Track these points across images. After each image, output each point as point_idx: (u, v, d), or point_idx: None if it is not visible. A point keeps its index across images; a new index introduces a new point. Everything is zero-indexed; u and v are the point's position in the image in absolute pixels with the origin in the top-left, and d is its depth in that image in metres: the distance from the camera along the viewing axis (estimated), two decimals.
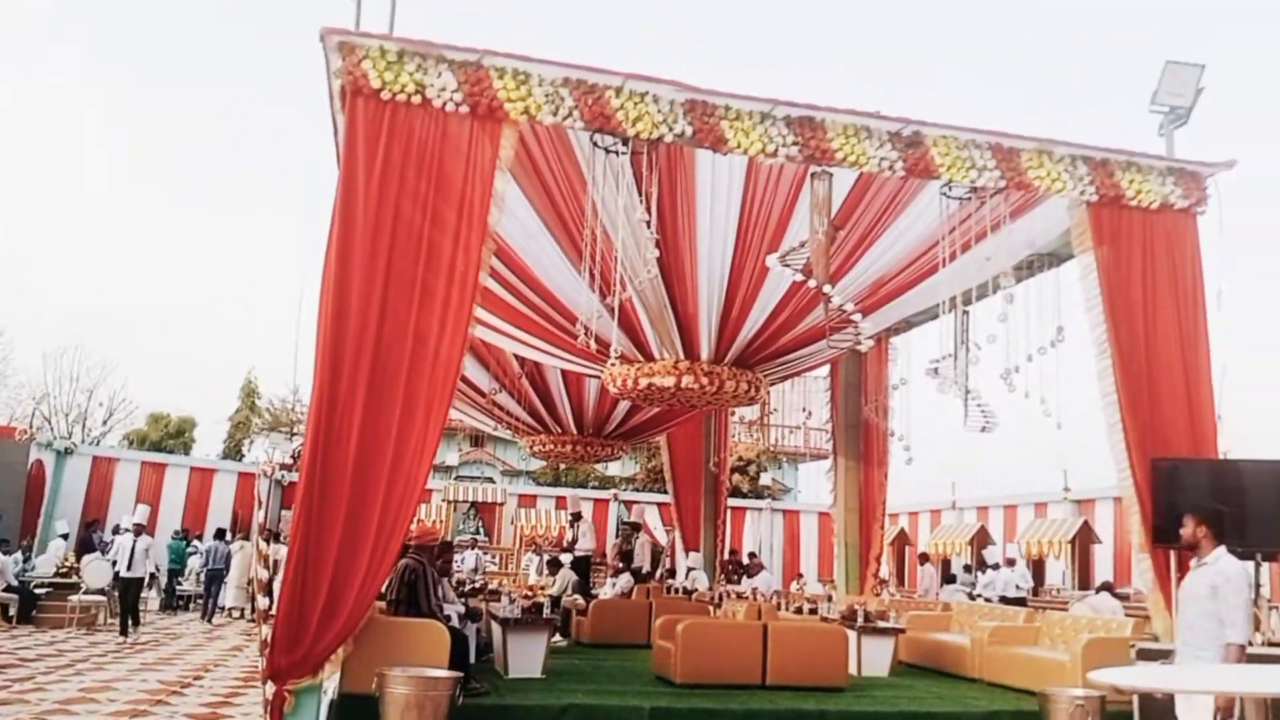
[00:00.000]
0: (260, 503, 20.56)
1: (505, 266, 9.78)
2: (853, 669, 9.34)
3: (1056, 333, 9.75)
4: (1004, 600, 16.45)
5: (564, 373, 14.84)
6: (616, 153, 7.60)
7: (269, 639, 6.35)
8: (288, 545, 6.65)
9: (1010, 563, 19.82)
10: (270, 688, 6.23)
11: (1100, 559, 19.53)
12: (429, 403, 6.91)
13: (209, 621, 16.72)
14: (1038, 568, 21.18)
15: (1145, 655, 7.40)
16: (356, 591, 6.46)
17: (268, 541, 9.47)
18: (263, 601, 6.58)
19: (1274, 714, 4.04)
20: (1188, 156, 8.84)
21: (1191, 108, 9.04)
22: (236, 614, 17.82)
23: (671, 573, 18.34)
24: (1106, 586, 13.99)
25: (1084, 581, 18.64)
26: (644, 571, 15.31)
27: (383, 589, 7.88)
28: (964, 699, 8.34)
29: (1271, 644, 8.46)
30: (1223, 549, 5.77)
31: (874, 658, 9.76)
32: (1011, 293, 9.42)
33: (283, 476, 22.98)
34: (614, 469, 30.36)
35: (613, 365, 10.81)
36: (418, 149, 7.04)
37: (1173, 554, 8.12)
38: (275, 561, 7.07)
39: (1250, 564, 8.30)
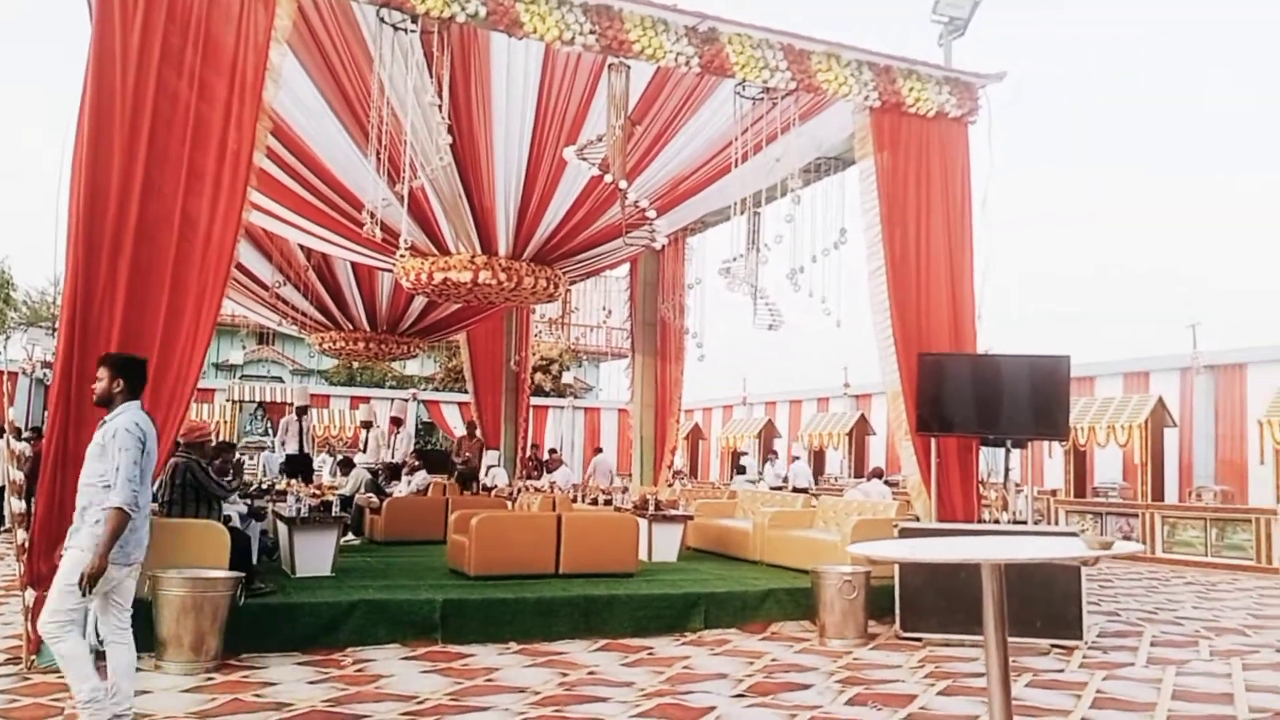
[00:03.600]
0: (11, 401, 18.82)
1: (285, 148, 9.17)
2: (644, 555, 9.69)
3: (839, 235, 10.20)
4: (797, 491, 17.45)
5: (355, 266, 14.25)
6: (405, 30, 7.20)
7: (26, 544, 5.91)
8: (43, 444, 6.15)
9: (794, 458, 21.05)
10: (31, 595, 5.83)
11: (875, 449, 21.03)
12: (200, 293, 6.49)
13: None
14: (819, 458, 22.56)
15: (906, 533, 8.04)
16: None
17: (22, 440, 8.70)
18: (18, 505, 6.08)
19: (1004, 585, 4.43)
20: (964, 67, 9.31)
21: (969, 19, 9.49)
22: None
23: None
24: (877, 473, 15.07)
25: (859, 470, 20.03)
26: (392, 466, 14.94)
27: (155, 491, 7.48)
28: (744, 579, 8.84)
29: (1016, 521, 9.43)
30: (134, 404, 4.65)
31: (664, 544, 10.16)
32: (799, 195, 9.72)
33: (45, 375, 21.14)
34: (412, 368, 29.79)
35: (404, 258, 10.45)
36: (182, 11, 6.47)
37: (934, 441, 8.81)
38: (29, 458, 6.51)
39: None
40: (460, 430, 22.76)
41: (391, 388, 28.26)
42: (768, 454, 21.84)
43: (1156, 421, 15.53)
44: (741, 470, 22.46)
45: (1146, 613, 9.36)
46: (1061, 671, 6.64)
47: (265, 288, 14.74)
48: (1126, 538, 14.51)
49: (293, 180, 9.98)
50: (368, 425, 16.60)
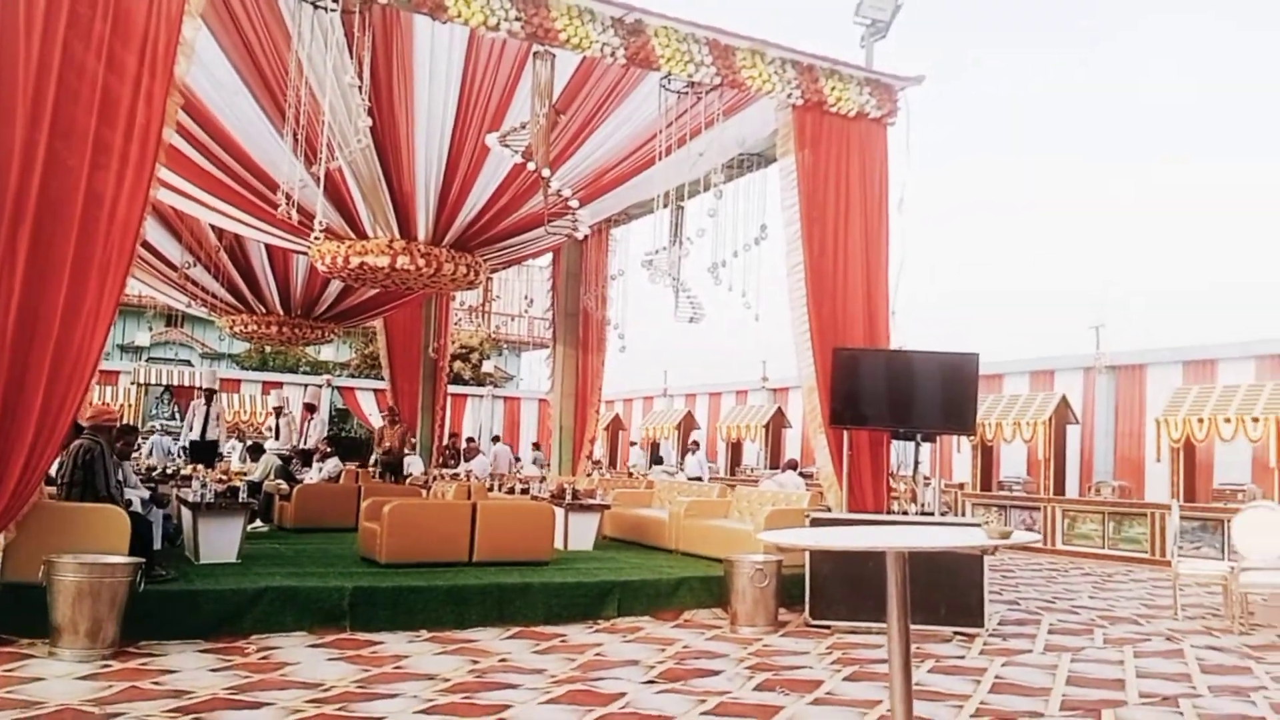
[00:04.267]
0: None
1: (197, 125, 8.92)
2: (560, 544, 9.71)
3: (760, 230, 10.33)
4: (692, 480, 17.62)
5: (269, 248, 13.92)
6: (325, 8, 7.06)
7: None
8: None
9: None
10: None
11: (791, 441, 21.38)
12: (104, 270, 6.28)
13: None
14: (735, 450, 22.82)
15: (817, 523, 8.19)
16: (19, 474, 5.91)
17: None
18: None
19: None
20: (884, 69, 9.50)
21: (890, 22, 9.67)
22: None
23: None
24: (792, 465, 15.33)
25: (775, 461, 20.32)
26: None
27: (53, 473, 7.23)
28: (659, 568, 8.92)
29: (924, 513, 9.67)
30: None
31: (580, 533, 10.18)
32: (721, 190, 9.83)
33: None
34: (327, 353, 29.19)
35: (319, 241, 10.25)
36: None
37: (847, 434, 8.99)
38: None
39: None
40: (377, 419, 22.48)
41: (305, 373, 27.65)
42: (688, 446, 22.02)
43: (1060, 419, 16.10)
44: (659, 461, 22.64)
45: (1045, 602, 9.71)
46: (963, 658, 6.85)
47: (174, 268, 14.31)
48: (1029, 530, 15.02)
49: (205, 158, 9.70)
50: (279, 411, 16.25)
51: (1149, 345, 16.76)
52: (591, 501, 10.63)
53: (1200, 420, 13.79)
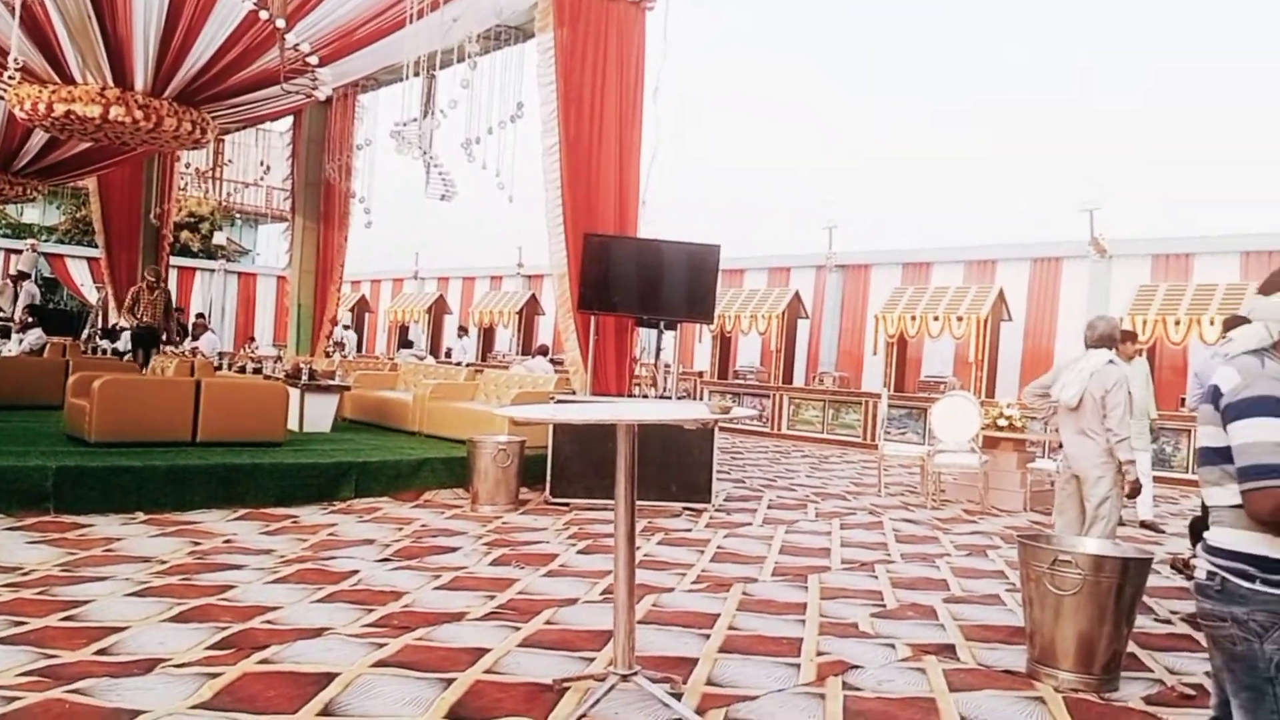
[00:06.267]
0: None
1: None
2: (295, 425, 9.32)
3: (517, 108, 10.08)
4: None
5: None
6: None
7: None
8: None
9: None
10: None
11: (544, 328, 21.47)
12: None
13: None
14: (489, 336, 22.69)
15: (561, 404, 8.30)
16: None
17: None
18: None
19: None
20: None
21: None
22: None
23: (109, 333, 16.42)
24: (543, 350, 15.45)
25: (528, 348, 20.39)
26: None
27: None
28: (400, 449, 8.77)
29: (663, 397, 10.03)
30: None
31: (317, 414, 9.82)
32: (476, 61, 9.46)
33: None
34: (32, 215, 26.09)
35: (14, 80, 8.97)
36: None
37: (594, 320, 9.10)
38: None
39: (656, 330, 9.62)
40: (91, 290, 20.48)
41: (5, 236, 24.62)
42: (461, 332, 21.67)
43: (792, 313, 17.13)
44: (409, 344, 22.16)
45: (768, 480, 10.44)
46: (689, 531, 7.26)
47: None
48: (759, 415, 16.03)
49: None
50: None
51: (873, 247, 17.99)
52: (330, 383, 10.25)
53: (913, 318, 15.08)
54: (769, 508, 8.56)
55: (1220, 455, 2.27)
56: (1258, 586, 2.18)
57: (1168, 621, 5.21)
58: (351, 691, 3.59)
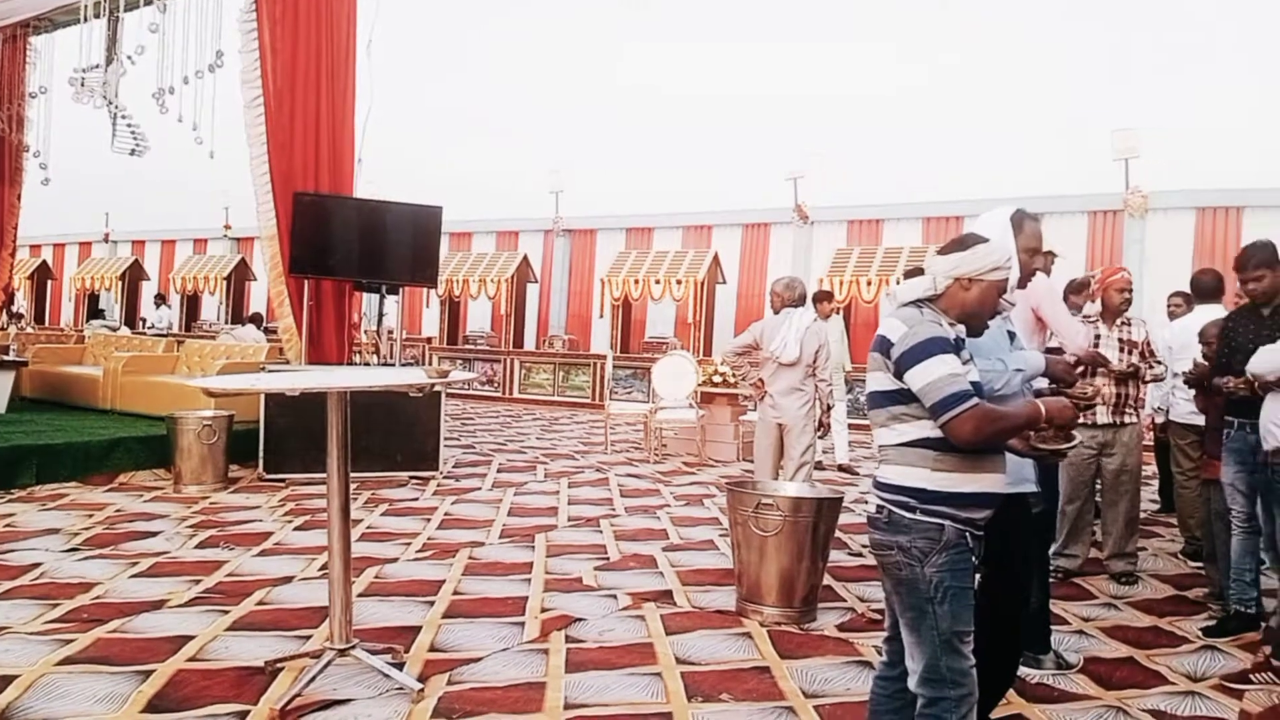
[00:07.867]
0: None
1: None
2: None
3: (216, 57, 9.33)
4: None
5: None
6: None
7: None
8: None
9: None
10: None
11: (257, 295, 20.20)
12: None
13: None
14: (193, 303, 21.09)
15: (273, 374, 7.86)
16: None
17: None
18: None
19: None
20: None
21: None
22: None
23: None
24: (255, 319, 14.57)
25: (238, 316, 19.15)
26: None
27: None
28: (89, 429, 7.98)
29: (386, 364, 9.75)
30: None
31: None
32: (166, 3, 8.70)
33: None
34: None
35: None
36: None
37: (309, 284, 8.66)
38: None
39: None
40: None
41: None
42: (158, 300, 19.85)
43: (521, 277, 17.16)
44: (100, 314, 20.26)
45: (499, 444, 10.45)
46: (416, 500, 7.13)
47: None
48: (489, 381, 15.98)
49: None
50: None
51: (599, 212, 18.33)
52: (5, 359, 9.13)
53: (636, 281, 15.55)
54: (499, 471, 8.57)
55: (888, 398, 2.51)
56: (918, 516, 2.43)
57: (859, 554, 5.73)
58: (33, 694, 3.26)
